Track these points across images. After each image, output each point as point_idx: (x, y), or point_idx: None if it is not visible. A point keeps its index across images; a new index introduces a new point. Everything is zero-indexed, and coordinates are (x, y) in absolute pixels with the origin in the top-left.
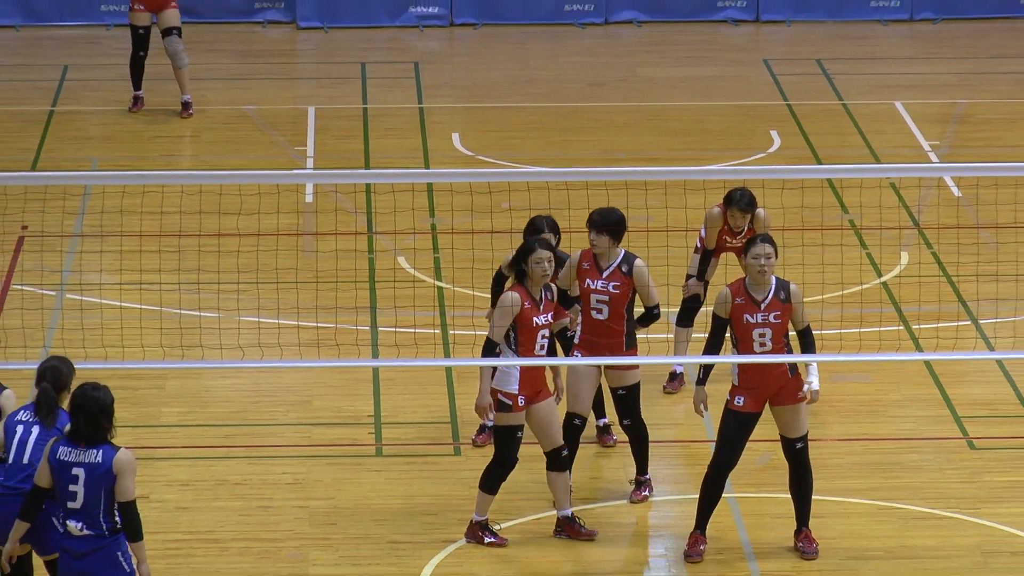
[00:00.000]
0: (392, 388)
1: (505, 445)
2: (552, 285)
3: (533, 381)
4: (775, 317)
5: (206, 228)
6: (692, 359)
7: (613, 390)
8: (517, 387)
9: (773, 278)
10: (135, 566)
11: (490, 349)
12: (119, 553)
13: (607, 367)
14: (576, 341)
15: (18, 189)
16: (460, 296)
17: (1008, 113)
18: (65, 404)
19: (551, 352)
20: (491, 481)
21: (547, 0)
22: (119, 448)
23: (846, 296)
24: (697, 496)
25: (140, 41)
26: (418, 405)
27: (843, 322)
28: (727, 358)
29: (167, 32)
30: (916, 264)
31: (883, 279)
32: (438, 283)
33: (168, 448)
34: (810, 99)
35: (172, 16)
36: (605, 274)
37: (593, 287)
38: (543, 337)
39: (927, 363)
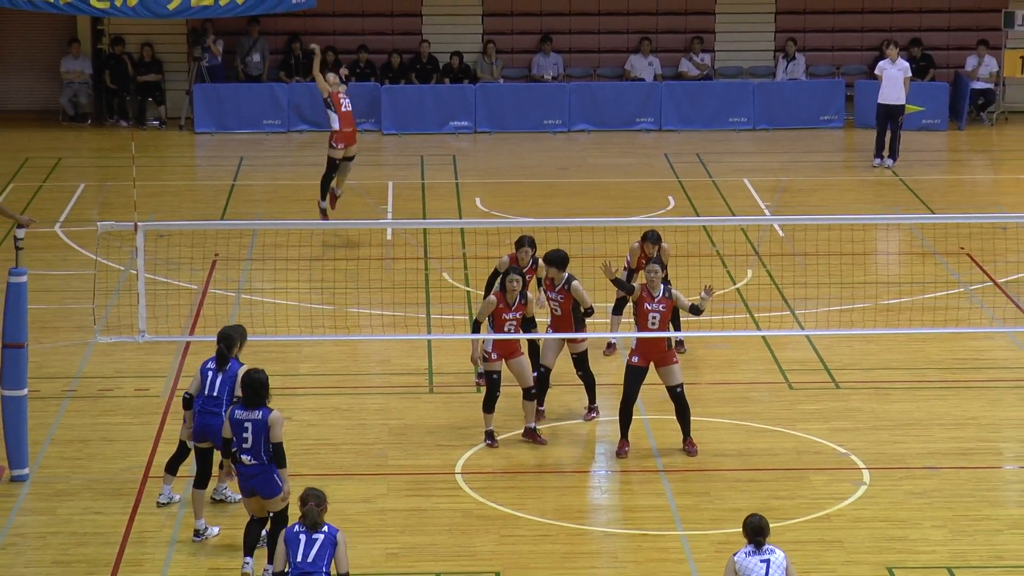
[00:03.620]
0: (439, 352)
1: (489, 381)
2: (527, 292)
3: (505, 346)
4: (663, 307)
5: (327, 255)
6: (619, 335)
7: (572, 353)
8: (491, 347)
9: (662, 284)
10: (283, 483)
11: (476, 326)
12: (275, 475)
13: (571, 341)
14: (550, 325)
15: (212, 232)
16: (477, 297)
17: (812, 186)
18: (237, 355)
19: (527, 329)
20: (486, 404)
21: (532, 116)
22: (272, 410)
23: (715, 296)
24: (618, 418)
25: (333, 166)
26: (453, 362)
27: (712, 312)
28: (631, 334)
29: (349, 158)
30: (757, 277)
31: (737, 286)
32: (467, 288)
33: (302, 388)
34: (692, 177)
35: (355, 149)
36: (556, 289)
37: (551, 296)
38: (510, 323)
39: (764, 338)
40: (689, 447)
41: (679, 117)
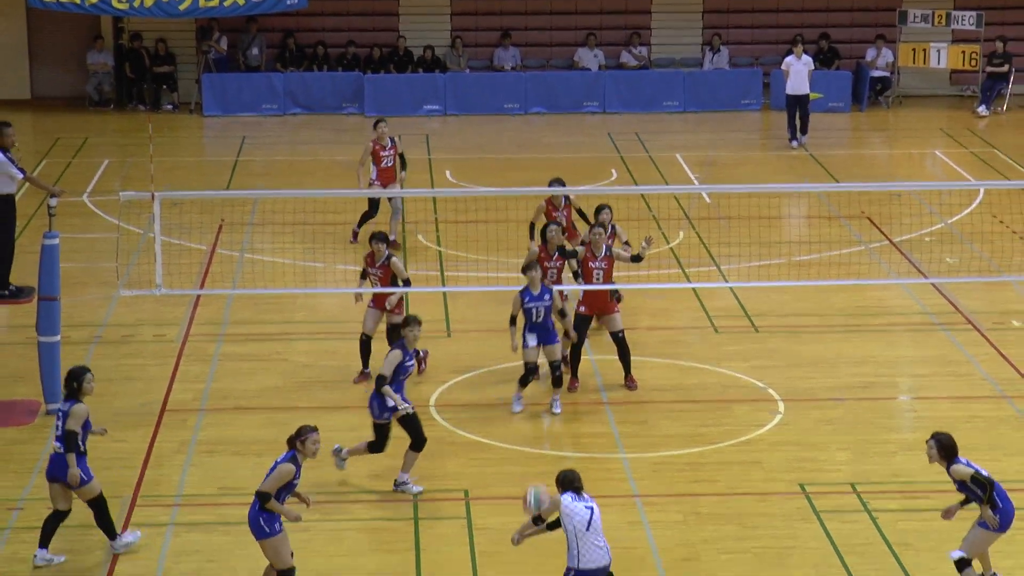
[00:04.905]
0: (414, 303)
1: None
2: (550, 288)
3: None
4: (605, 264)
5: (317, 220)
6: (568, 287)
7: (388, 324)
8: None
9: (604, 245)
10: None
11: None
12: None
13: (389, 311)
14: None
15: (219, 200)
16: (448, 256)
17: (735, 160)
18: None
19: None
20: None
21: (494, 101)
22: (79, 402)
23: (651, 254)
24: (569, 357)
25: (374, 205)
26: (427, 311)
27: (648, 267)
28: (579, 286)
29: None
30: (687, 238)
31: (670, 245)
32: (439, 248)
33: (297, 334)
34: (631, 153)
35: (397, 186)
36: (377, 265)
37: (371, 271)
38: (552, 271)
39: (694, 290)
40: (630, 383)
41: (620, 101)
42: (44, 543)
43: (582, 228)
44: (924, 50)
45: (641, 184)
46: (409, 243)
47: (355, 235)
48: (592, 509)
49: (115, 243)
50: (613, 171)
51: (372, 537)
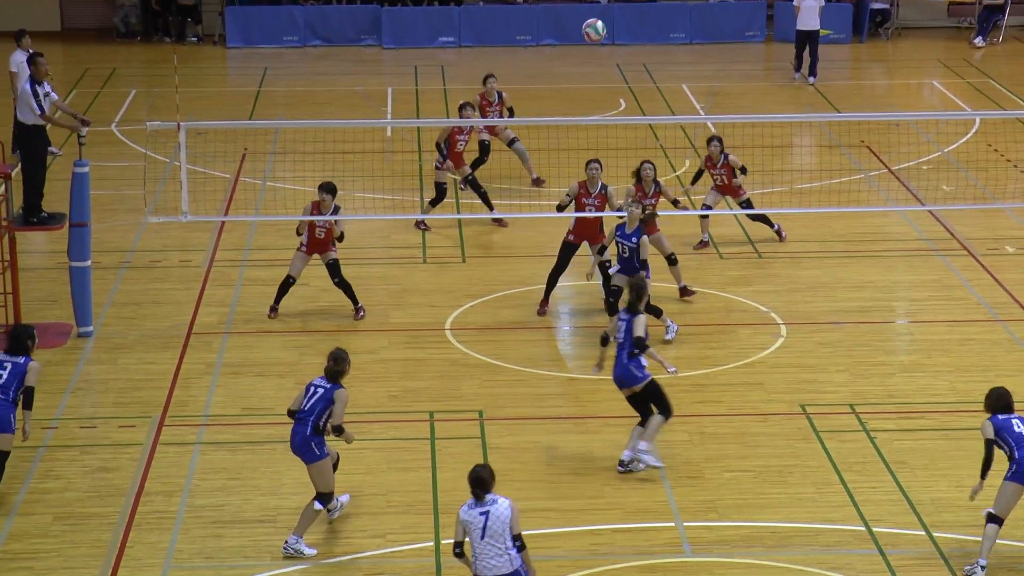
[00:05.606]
0: (430, 230)
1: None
2: (657, 182)
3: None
4: (598, 200)
5: (336, 149)
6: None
7: (325, 263)
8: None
9: (600, 182)
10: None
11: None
12: (11, 415)
13: (321, 252)
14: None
15: (242, 130)
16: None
17: (739, 91)
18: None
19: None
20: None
21: (507, 33)
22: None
23: (668, 181)
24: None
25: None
26: (440, 237)
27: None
28: (570, 214)
29: (511, 142)
30: (692, 166)
31: (676, 174)
32: (452, 175)
33: (317, 261)
34: (639, 84)
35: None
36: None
37: (319, 224)
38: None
39: (699, 216)
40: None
41: (629, 33)
42: None
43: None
44: None
45: (649, 115)
46: (425, 170)
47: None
48: (487, 514)
49: (143, 171)
50: (622, 101)
51: (389, 456)
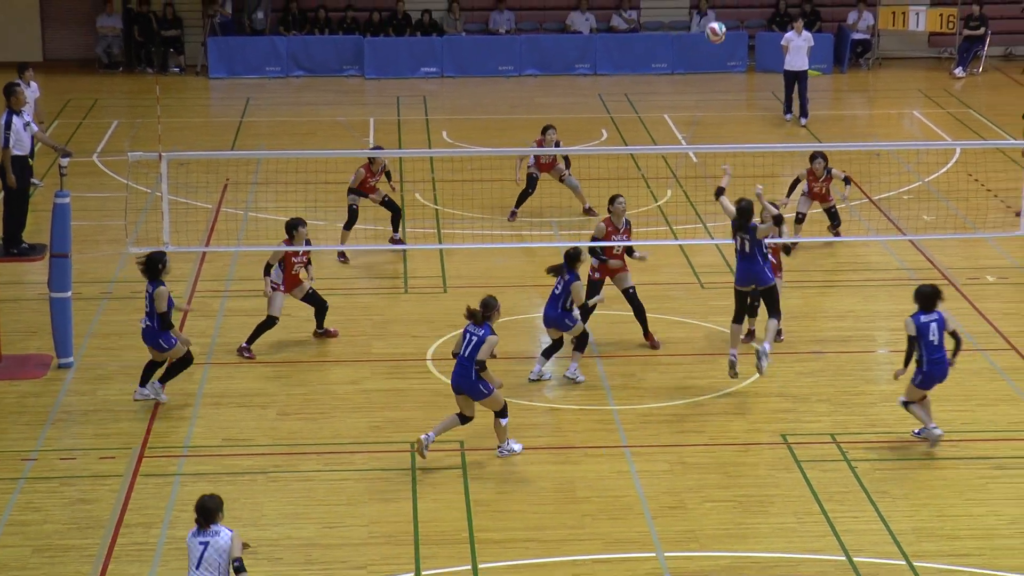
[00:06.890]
0: (413, 259)
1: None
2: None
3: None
4: (625, 236)
5: (319, 179)
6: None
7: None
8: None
9: (624, 218)
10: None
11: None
12: (160, 336)
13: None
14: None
15: (224, 160)
16: (444, 214)
17: (721, 120)
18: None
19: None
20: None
21: (489, 63)
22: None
23: (640, 212)
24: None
25: (531, 183)
26: (424, 267)
27: (637, 224)
28: (594, 243)
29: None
30: (675, 196)
31: (658, 203)
32: (435, 207)
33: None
34: (621, 114)
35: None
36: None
37: (294, 260)
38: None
39: (681, 246)
40: (651, 342)
41: (611, 63)
42: (143, 383)
43: (385, 187)
44: (903, 13)
45: (631, 144)
46: (408, 200)
47: (513, 215)
48: (207, 545)
49: (124, 202)
50: (603, 131)
51: (371, 487)
